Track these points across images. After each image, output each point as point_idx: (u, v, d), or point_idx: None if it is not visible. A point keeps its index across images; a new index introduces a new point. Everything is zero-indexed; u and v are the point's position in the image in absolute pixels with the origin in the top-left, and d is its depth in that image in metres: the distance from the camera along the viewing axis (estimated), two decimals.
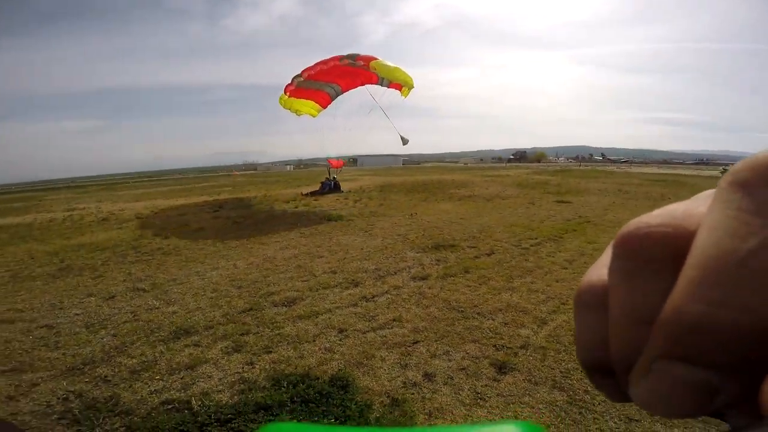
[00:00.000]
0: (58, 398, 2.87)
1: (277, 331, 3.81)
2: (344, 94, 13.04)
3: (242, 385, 2.95)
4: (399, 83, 11.28)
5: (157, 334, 3.80)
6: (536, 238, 7.26)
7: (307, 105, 12.87)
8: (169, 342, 3.63)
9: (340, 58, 10.88)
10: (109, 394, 2.89)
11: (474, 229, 8.18)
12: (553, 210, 10.72)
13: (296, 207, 12.51)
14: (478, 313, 4.13)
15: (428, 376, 3.04)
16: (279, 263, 6.15)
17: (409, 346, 3.50)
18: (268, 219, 10.54)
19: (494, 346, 3.46)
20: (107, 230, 9.95)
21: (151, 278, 5.61)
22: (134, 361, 3.35)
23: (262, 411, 2.63)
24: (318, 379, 3.00)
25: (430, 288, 4.89)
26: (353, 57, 10.75)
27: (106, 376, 3.14)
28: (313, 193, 15.36)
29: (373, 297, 4.63)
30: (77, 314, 4.43)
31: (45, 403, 2.82)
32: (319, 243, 7.41)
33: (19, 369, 3.30)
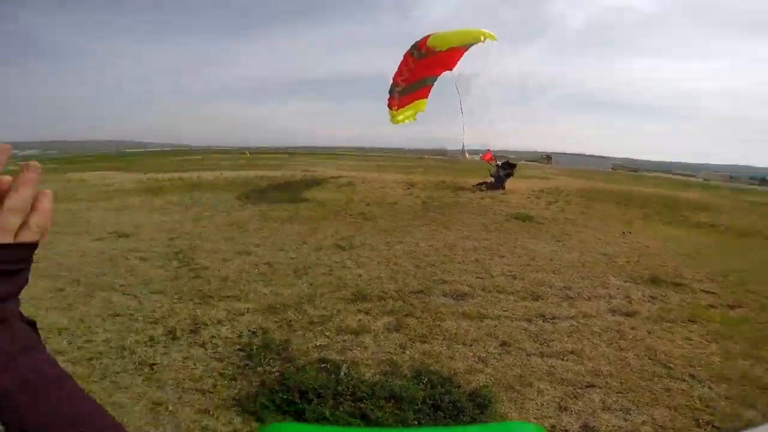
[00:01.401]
0: (250, 331, 3.55)
1: (437, 322, 3.77)
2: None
3: (388, 367, 3.01)
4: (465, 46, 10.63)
5: (341, 292, 4.35)
6: None
7: (411, 108, 12.96)
8: (348, 302, 4.09)
9: (410, 53, 10.71)
10: (285, 338, 3.41)
11: (716, 270, 6.05)
12: None
13: (482, 198, 12.21)
14: (692, 376, 3.07)
15: (587, 430, 2.40)
16: (458, 252, 6.10)
17: (580, 388, 2.88)
18: (454, 205, 10.67)
19: (696, 420, 2.50)
20: (329, 191, 12.17)
21: (350, 238, 6.52)
22: (316, 312, 3.90)
23: (393, 401, 2.57)
24: (459, 387, 2.78)
25: (633, 328, 3.91)
26: (415, 47, 10.51)
27: (290, 321, 3.74)
28: (486, 186, 14.41)
29: (554, 318, 4.01)
30: (291, 258, 5.54)
31: (239, 333, 3.52)
32: (502, 241, 6.97)
33: (237, 297, 4.28)
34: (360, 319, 3.77)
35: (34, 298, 4.11)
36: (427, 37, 10.62)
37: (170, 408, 2.53)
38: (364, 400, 2.57)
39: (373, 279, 4.77)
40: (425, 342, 3.43)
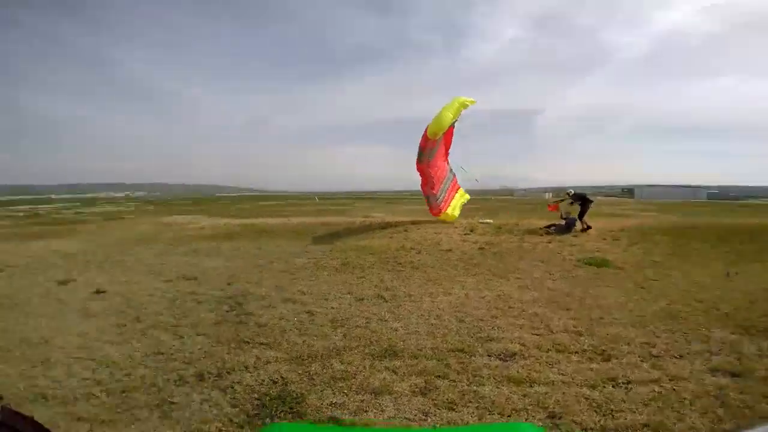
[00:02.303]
0: (271, 380, 3.46)
1: (474, 387, 3.28)
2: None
3: None
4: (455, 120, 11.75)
5: (372, 348, 4.08)
6: None
7: (457, 200, 14.44)
8: (376, 359, 3.80)
9: (419, 161, 11.97)
10: (303, 392, 3.24)
11: None
12: None
13: (549, 242, 11.20)
14: None
15: None
16: (513, 305, 5.49)
17: None
18: (515, 251, 9.90)
19: None
20: (381, 238, 12.15)
21: (394, 289, 6.27)
22: (341, 367, 3.67)
23: None
24: None
25: (742, 393, 3.02)
26: (419, 153, 11.72)
27: (313, 374, 3.56)
28: (555, 229, 13.11)
29: (628, 383, 3.26)
30: (332, 308, 5.44)
31: (261, 380, 3.45)
32: (568, 291, 6.17)
33: (269, 345, 4.24)
34: (385, 378, 3.46)
35: (99, 331, 4.62)
36: (424, 133, 11.42)
37: None
38: None
39: (410, 334, 4.43)
40: (453, 410, 2.98)
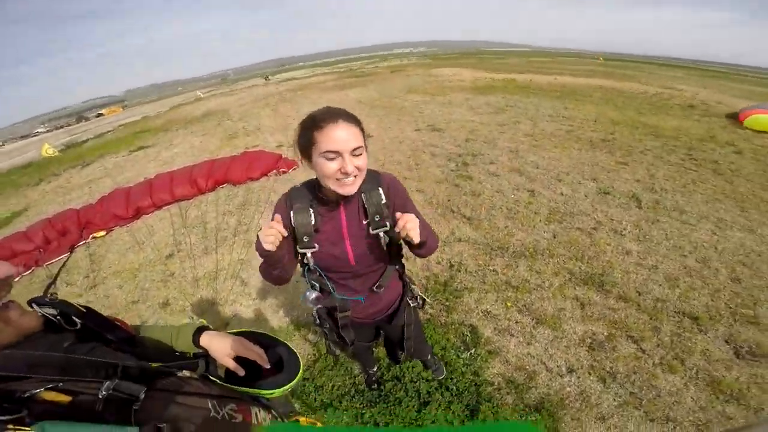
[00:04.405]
0: (449, 263, 3.15)
1: None
2: None
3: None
4: None
5: (576, 265, 3.16)
6: None
7: None
8: (573, 285, 2.93)
9: None
10: (467, 287, 2.82)
11: None
12: None
13: None
14: None
15: None
16: None
17: None
18: None
19: None
20: (683, 118, 8.68)
21: (661, 192, 4.49)
22: (525, 276, 3.05)
23: None
24: None
25: None
26: None
27: (489, 270, 3.08)
28: None
29: None
30: (561, 194, 4.49)
31: (440, 260, 3.14)
32: None
33: (468, 220, 3.89)
34: (573, 310, 2.70)
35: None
36: None
37: None
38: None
39: (646, 269, 3.17)
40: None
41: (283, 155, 6.73)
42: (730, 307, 2.68)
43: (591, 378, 2.20)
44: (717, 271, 3.06)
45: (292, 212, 1.15)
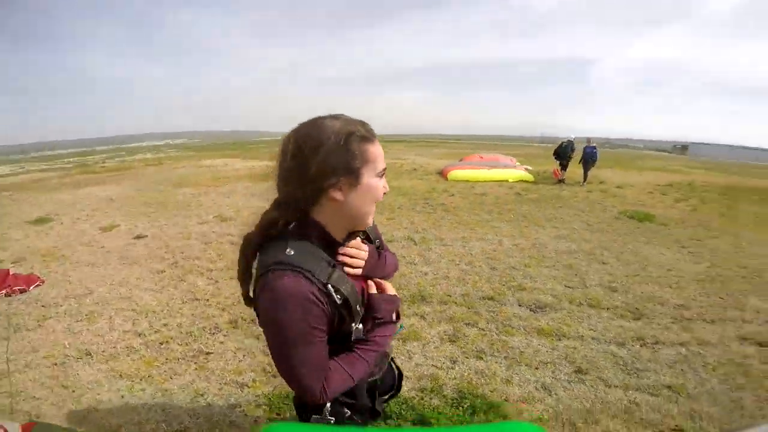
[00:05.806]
0: None
1: (503, 337, 3.21)
2: None
3: (426, 383, 2.62)
4: None
5: (401, 292, 3.97)
6: None
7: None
8: (405, 305, 3.71)
9: None
10: None
11: None
12: None
13: (590, 192, 10.50)
14: None
15: None
16: (547, 255, 5.22)
17: None
18: (554, 199, 9.37)
19: None
20: (413, 179, 11.86)
21: (424, 232, 6.12)
22: None
23: (420, 424, 2.20)
24: (505, 417, 2.26)
25: (764, 363, 2.88)
26: None
27: None
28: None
29: (656, 344, 3.14)
30: None
31: None
32: (607, 244, 5.78)
33: None
34: (413, 324, 3.39)
35: (139, 279, 4.60)
36: None
37: (208, 400, 2.54)
38: (388, 421, 2.24)
39: (439, 279, 4.32)
40: (482, 358, 2.93)
41: (10, 271, 4.75)
42: (503, 285, 4.14)
43: (470, 359, 2.91)
44: (480, 267, 4.70)
45: (330, 285, 0.75)
